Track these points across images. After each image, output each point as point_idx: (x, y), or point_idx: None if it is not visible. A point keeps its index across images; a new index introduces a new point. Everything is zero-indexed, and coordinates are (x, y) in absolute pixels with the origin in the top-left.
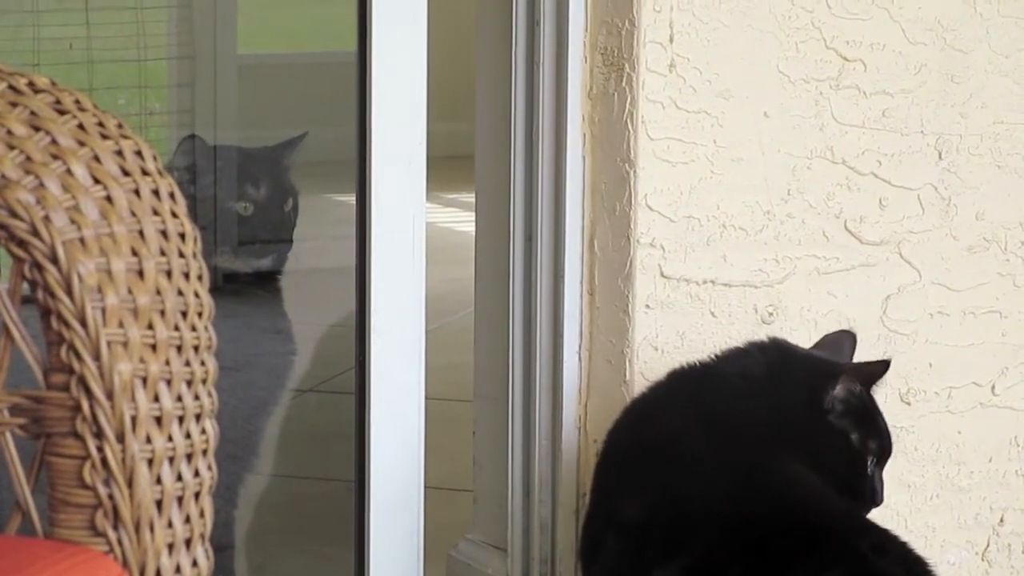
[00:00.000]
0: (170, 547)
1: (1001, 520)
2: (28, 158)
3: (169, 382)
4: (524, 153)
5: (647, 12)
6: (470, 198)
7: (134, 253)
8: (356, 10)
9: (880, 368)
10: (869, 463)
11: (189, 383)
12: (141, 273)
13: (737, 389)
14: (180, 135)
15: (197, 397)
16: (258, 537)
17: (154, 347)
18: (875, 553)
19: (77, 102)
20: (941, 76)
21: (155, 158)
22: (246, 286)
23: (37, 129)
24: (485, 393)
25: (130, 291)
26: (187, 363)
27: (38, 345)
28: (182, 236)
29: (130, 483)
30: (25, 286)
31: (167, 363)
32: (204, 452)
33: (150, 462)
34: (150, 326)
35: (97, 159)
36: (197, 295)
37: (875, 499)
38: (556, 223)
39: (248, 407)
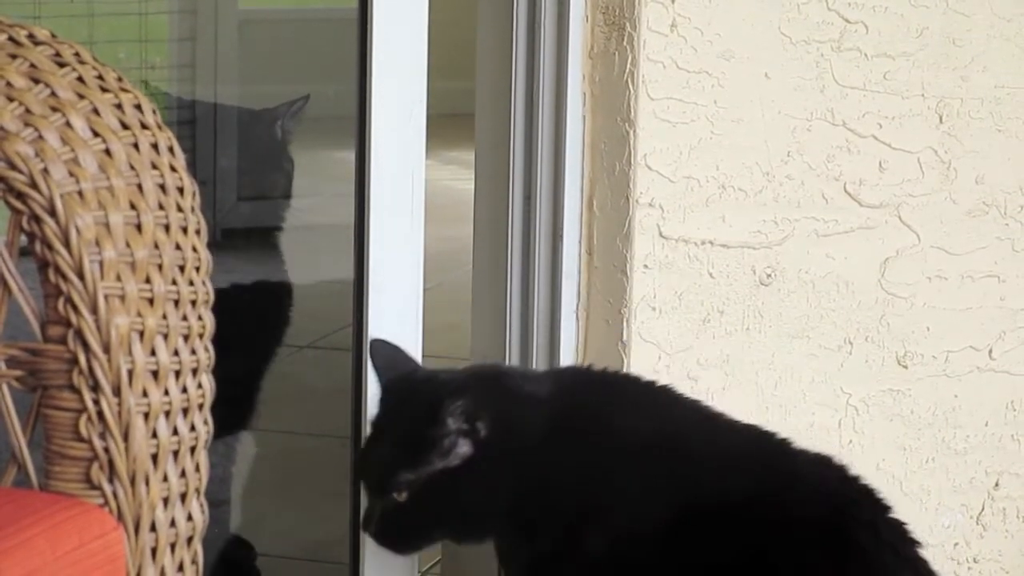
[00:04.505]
0: (165, 501)
1: (996, 484)
2: (27, 110)
3: (166, 336)
4: (524, 112)
5: None
6: (470, 156)
7: (132, 207)
8: None
9: None
10: None
11: (186, 337)
12: (139, 227)
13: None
14: (180, 90)
15: (194, 352)
16: (254, 492)
17: (151, 301)
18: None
19: (77, 55)
20: (943, 39)
21: (154, 112)
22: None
23: (37, 81)
24: (482, 352)
25: (128, 245)
26: (184, 317)
27: (36, 298)
28: (180, 190)
29: (126, 437)
30: (23, 238)
31: (164, 317)
32: (200, 407)
33: (146, 416)
34: (147, 280)
35: (96, 112)
36: (195, 249)
37: None
38: (555, 182)
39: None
